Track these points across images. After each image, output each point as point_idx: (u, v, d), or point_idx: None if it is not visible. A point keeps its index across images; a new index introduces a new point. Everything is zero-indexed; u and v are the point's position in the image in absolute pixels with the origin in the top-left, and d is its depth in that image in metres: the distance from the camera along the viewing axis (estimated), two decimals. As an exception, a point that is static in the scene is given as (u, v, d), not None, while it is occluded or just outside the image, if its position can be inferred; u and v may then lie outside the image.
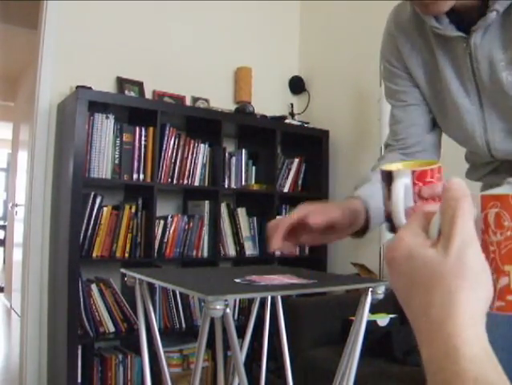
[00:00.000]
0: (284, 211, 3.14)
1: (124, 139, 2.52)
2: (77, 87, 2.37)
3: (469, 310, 0.33)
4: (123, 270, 1.39)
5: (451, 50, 0.90)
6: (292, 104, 3.48)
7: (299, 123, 3.16)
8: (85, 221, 2.38)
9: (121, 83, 2.78)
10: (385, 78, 1.08)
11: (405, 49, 0.98)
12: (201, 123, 2.79)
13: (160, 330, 2.55)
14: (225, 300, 0.89)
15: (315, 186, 3.18)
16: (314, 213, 0.84)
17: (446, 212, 0.36)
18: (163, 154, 2.62)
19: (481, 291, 0.34)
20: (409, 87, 1.01)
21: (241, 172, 2.98)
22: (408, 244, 0.37)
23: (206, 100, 3.08)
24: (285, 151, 3.24)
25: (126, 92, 2.75)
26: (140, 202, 2.55)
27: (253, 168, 3.09)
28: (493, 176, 1.00)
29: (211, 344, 1.87)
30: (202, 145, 2.78)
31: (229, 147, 3.11)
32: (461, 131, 0.95)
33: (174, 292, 2.64)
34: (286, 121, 3.14)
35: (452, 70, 0.91)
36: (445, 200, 0.36)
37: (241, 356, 1.56)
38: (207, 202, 2.78)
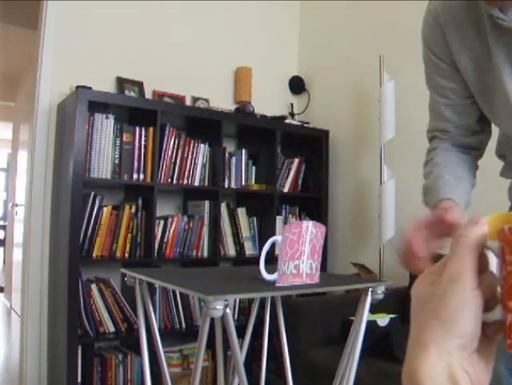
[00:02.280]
0: (284, 211, 3.14)
1: (124, 139, 2.52)
2: (77, 87, 2.37)
3: (435, 346, 0.34)
4: (123, 270, 1.39)
5: (509, 43, 0.83)
6: (292, 104, 3.48)
7: (299, 123, 3.16)
8: (85, 221, 2.38)
9: (121, 83, 2.78)
10: (430, 71, 1.00)
11: (454, 41, 0.91)
12: (201, 123, 2.79)
13: (160, 330, 2.55)
14: (225, 300, 0.90)
15: (315, 186, 3.18)
16: (450, 210, 0.81)
17: (451, 244, 0.36)
18: (163, 154, 2.62)
19: (455, 328, 0.34)
20: (457, 83, 0.94)
21: (241, 172, 2.98)
22: (420, 279, 0.38)
23: (206, 100, 3.08)
24: (285, 152, 3.24)
25: (126, 92, 2.75)
26: (140, 202, 2.55)
27: (253, 168, 3.09)
28: None
29: (211, 344, 1.87)
30: (202, 145, 2.78)
31: (229, 147, 3.11)
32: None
33: (174, 292, 2.64)
34: (286, 121, 3.14)
35: (508, 65, 0.83)
36: (454, 236, 0.37)
37: (241, 356, 1.56)
38: (207, 202, 2.78)
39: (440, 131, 1.01)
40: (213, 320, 1.09)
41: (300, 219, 3.21)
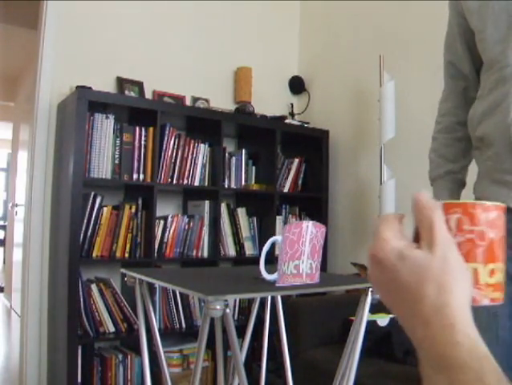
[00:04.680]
0: (284, 211, 3.14)
1: (124, 139, 2.52)
2: (77, 87, 2.37)
3: (459, 299, 0.39)
4: (123, 270, 1.39)
5: None
6: (292, 104, 3.48)
7: (299, 123, 3.16)
8: (85, 221, 2.38)
9: (121, 83, 2.78)
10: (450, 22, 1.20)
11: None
12: (201, 123, 2.79)
13: (160, 330, 2.55)
14: (225, 300, 0.90)
15: (315, 186, 3.18)
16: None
17: (423, 220, 0.42)
18: (163, 154, 2.61)
19: (465, 284, 0.40)
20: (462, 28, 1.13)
21: (241, 172, 2.98)
22: (397, 246, 0.42)
23: (206, 100, 3.08)
24: (285, 151, 3.24)
25: (126, 92, 2.75)
26: (140, 202, 2.55)
27: (253, 168, 3.08)
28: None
29: (211, 344, 1.87)
30: (202, 145, 2.78)
31: (229, 147, 3.11)
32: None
33: (174, 292, 2.64)
34: (286, 121, 3.14)
35: None
36: (420, 209, 0.43)
37: (241, 356, 1.56)
38: (207, 202, 2.78)
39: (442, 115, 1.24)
40: (213, 320, 1.09)
41: (300, 219, 3.21)
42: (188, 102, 3.03)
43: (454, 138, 1.20)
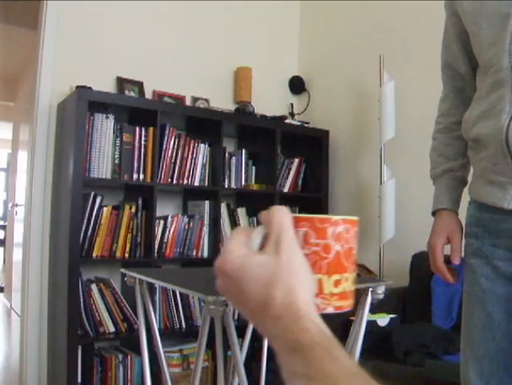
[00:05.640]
0: (284, 211, 3.14)
1: (124, 139, 2.52)
2: (77, 87, 2.37)
3: (304, 296, 0.42)
4: (123, 270, 1.39)
5: None
6: (292, 104, 3.48)
7: (299, 123, 3.16)
8: (85, 221, 2.38)
9: (121, 83, 2.78)
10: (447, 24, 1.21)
11: None
12: (201, 123, 2.79)
13: (160, 330, 2.55)
14: (225, 300, 0.90)
15: (315, 186, 3.18)
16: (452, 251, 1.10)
17: (273, 225, 0.45)
18: (163, 154, 2.61)
19: (308, 282, 0.44)
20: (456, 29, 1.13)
21: (241, 172, 2.98)
22: (240, 255, 0.43)
23: (206, 100, 3.08)
24: (285, 152, 3.24)
25: (126, 92, 2.75)
26: (140, 202, 2.55)
27: (253, 168, 3.08)
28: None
29: (211, 344, 1.87)
30: (202, 145, 2.78)
31: (229, 147, 3.11)
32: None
33: (174, 292, 2.64)
34: (286, 121, 3.14)
35: None
36: (272, 215, 0.46)
37: (241, 356, 1.56)
38: (207, 202, 2.78)
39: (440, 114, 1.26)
40: (213, 320, 1.09)
41: (300, 219, 3.21)
42: (188, 102, 3.03)
43: (453, 137, 1.20)
